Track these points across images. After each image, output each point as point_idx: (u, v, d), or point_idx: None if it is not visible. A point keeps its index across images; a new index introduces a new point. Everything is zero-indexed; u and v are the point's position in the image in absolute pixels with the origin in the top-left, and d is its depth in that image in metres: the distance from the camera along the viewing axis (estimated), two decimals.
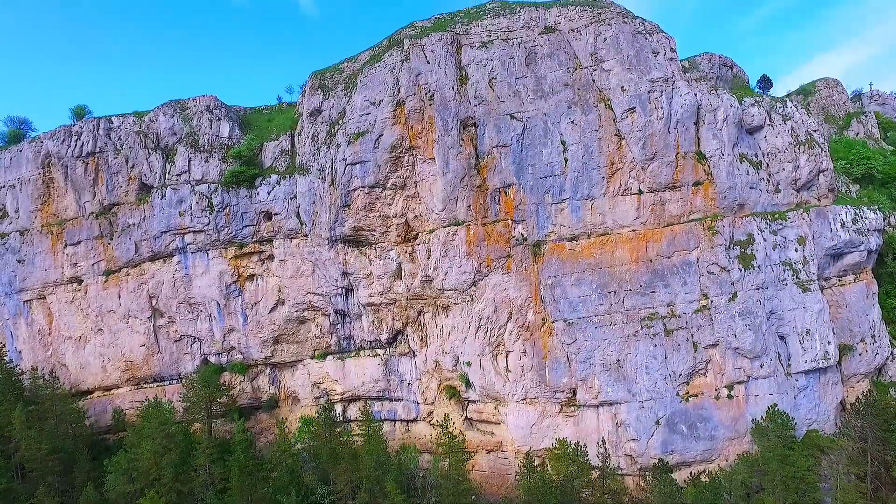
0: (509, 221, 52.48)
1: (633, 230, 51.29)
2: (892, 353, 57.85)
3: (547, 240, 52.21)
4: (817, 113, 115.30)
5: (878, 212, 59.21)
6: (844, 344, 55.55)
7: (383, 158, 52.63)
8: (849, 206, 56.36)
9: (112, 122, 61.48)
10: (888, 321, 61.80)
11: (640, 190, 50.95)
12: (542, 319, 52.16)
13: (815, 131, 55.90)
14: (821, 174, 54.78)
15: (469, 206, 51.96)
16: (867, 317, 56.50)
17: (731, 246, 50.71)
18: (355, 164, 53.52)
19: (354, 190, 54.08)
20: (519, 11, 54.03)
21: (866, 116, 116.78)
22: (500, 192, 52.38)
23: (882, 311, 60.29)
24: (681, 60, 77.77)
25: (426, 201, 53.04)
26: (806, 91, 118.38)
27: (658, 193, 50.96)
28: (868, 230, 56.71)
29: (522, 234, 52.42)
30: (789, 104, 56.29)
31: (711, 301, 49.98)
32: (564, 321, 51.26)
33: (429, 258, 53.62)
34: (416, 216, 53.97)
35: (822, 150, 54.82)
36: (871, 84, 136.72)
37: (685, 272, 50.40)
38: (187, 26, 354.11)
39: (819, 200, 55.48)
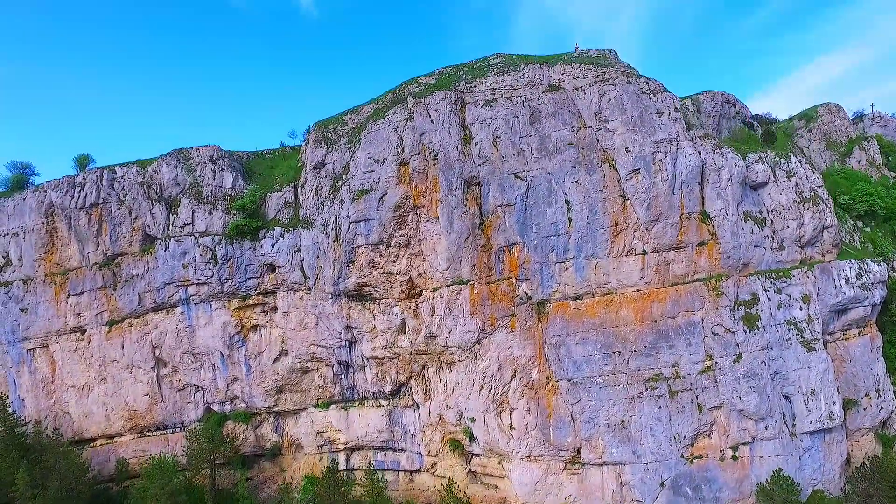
0: (513, 280, 52.45)
1: (638, 290, 51.26)
2: None
3: (551, 298, 52.20)
4: (819, 139, 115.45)
5: (881, 264, 59.21)
6: (849, 398, 55.48)
7: (387, 217, 52.62)
8: (853, 261, 56.30)
9: (115, 173, 61.47)
10: (892, 370, 61.78)
11: (644, 250, 50.92)
12: (547, 378, 52.10)
13: (819, 187, 55.89)
14: (825, 230, 54.74)
15: (473, 266, 51.93)
16: (871, 371, 56.45)
17: (736, 307, 50.67)
18: (359, 221, 53.52)
19: (358, 247, 54.08)
20: (523, 69, 54.00)
21: (868, 142, 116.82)
22: (504, 250, 52.36)
23: (886, 361, 60.34)
24: (683, 99, 77.84)
25: (430, 260, 53.03)
26: (808, 117, 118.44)
27: (662, 254, 50.93)
28: (873, 283, 56.68)
29: (527, 293, 52.37)
30: (793, 159, 56.26)
31: (716, 362, 49.90)
32: (569, 380, 51.22)
33: (433, 315, 53.58)
34: (420, 273, 53.94)
35: (826, 206, 54.80)
36: (872, 105, 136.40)
37: (690, 333, 50.35)
38: (187, 33, 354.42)
39: (823, 256, 55.42)
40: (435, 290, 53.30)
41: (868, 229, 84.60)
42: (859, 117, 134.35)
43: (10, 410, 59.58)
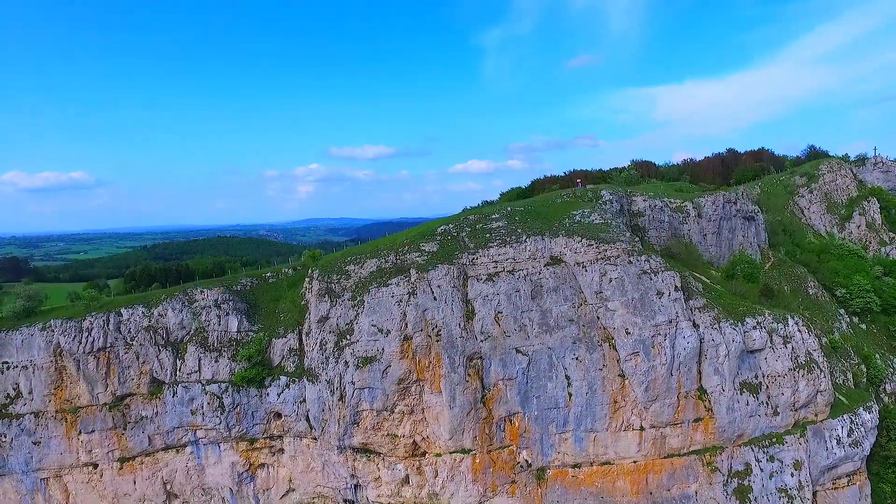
0: (514, 448, 54.01)
1: (635, 461, 52.90)
2: None
3: (550, 465, 53.90)
4: (820, 201, 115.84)
5: (873, 410, 60.63)
6: None
7: (391, 389, 53.80)
8: (845, 417, 57.65)
9: (121, 315, 62.22)
10: None
11: (641, 426, 52.38)
12: None
13: (814, 350, 56.84)
14: (819, 394, 55.99)
15: (475, 437, 53.40)
16: None
17: (729, 479, 52.42)
18: (363, 388, 54.69)
19: (363, 411, 55.40)
20: (525, 241, 54.30)
21: (868, 202, 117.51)
22: (505, 420, 53.76)
23: (873, 497, 62.47)
24: (684, 202, 77.93)
25: (433, 427, 54.42)
26: (809, 175, 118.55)
27: (659, 429, 52.37)
28: (864, 435, 58.23)
29: (527, 460, 54.02)
30: (790, 322, 57.03)
31: None
32: None
33: (436, 477, 55.30)
34: (423, 438, 55.39)
35: (821, 371, 55.91)
36: (875, 149, 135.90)
37: None
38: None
39: (816, 416, 56.79)
40: (438, 455, 54.85)
41: (863, 326, 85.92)
42: (861, 160, 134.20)
43: None
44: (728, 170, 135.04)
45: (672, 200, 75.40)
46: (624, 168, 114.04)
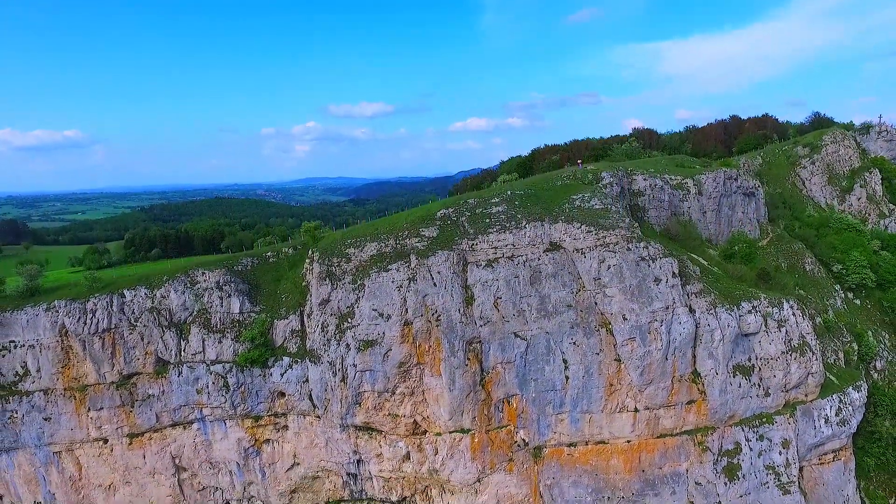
0: (512, 428, 55.67)
1: (628, 441, 54.67)
2: None
3: (547, 444, 55.72)
4: (822, 172, 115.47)
5: (862, 388, 62.15)
6: None
7: (392, 372, 54.99)
8: (834, 397, 59.17)
9: (124, 297, 62.87)
10: (862, 475, 66.34)
11: (636, 408, 53.83)
12: None
13: (808, 334, 57.78)
14: (810, 376, 57.30)
15: (474, 418, 54.96)
16: (842, 493, 60.87)
17: (719, 458, 54.28)
18: (365, 371, 55.90)
19: (364, 392, 56.78)
20: (524, 226, 54.39)
21: (870, 174, 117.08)
22: (503, 401, 55.20)
23: (856, 468, 64.79)
24: (685, 179, 77.65)
25: (433, 408, 55.91)
26: (812, 145, 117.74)
27: (653, 410, 53.86)
28: (851, 414, 59.93)
29: (524, 440, 55.77)
30: (785, 306, 57.75)
31: None
32: None
33: (436, 455, 57.19)
34: (424, 418, 56.96)
35: (813, 354, 57.03)
36: (880, 117, 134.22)
37: (675, 482, 54.25)
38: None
39: (806, 396, 58.30)
40: (438, 434, 56.54)
41: (857, 301, 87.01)
42: (866, 128, 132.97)
43: None
44: (731, 137, 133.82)
45: (673, 177, 75.06)
46: (626, 139, 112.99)
